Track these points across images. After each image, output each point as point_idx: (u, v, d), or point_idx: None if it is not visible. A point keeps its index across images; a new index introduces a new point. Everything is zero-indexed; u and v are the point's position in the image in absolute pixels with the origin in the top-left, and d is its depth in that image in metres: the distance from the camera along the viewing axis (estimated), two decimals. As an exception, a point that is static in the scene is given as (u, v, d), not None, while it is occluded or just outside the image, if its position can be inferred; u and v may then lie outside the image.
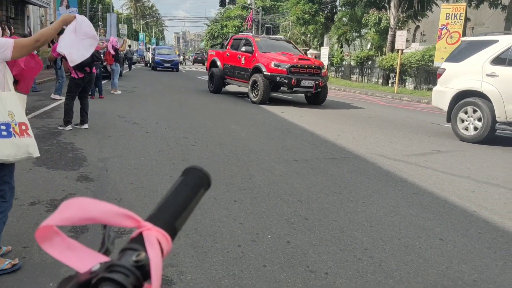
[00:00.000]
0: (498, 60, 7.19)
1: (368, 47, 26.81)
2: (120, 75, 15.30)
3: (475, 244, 3.08)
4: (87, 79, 6.71)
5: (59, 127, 6.61)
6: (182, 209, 0.51)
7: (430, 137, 7.66)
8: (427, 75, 20.05)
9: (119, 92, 12.18)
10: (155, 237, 0.45)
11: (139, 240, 0.45)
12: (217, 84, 13.89)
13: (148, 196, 3.76)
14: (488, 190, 4.47)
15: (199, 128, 7.31)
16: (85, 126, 6.76)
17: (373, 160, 5.57)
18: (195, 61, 50.91)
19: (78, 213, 0.44)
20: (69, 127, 6.58)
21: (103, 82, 11.65)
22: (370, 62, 23.82)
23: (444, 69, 8.16)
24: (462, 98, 7.68)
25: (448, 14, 17.02)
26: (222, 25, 50.41)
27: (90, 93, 8.24)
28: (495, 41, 7.36)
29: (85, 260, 0.45)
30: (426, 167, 5.36)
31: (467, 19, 19.60)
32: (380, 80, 23.13)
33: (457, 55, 8.03)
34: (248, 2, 38.92)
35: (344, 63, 26.69)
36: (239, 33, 15.74)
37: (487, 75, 7.22)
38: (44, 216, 0.51)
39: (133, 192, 3.85)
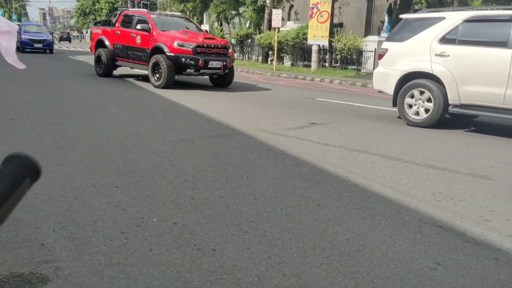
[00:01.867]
0: (447, 39, 6.75)
1: (247, 25, 27.32)
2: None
3: (347, 206, 3.38)
4: None
5: None
6: None
7: (307, 111, 8.15)
8: (302, 52, 21.19)
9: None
10: None
11: None
12: (106, 66, 12.34)
13: (15, 189, 3.38)
14: (357, 157, 4.92)
15: (73, 113, 6.76)
16: None
17: (256, 136, 5.74)
18: (61, 39, 53.84)
19: None
20: None
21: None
22: (249, 40, 24.34)
23: (386, 50, 7.57)
24: (409, 80, 7.20)
25: (318, -6, 18.03)
26: (93, 0, 46.95)
27: None
28: (442, 18, 6.90)
29: None
30: (304, 139, 5.70)
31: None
32: (260, 58, 23.81)
33: (399, 34, 7.49)
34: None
35: (225, 41, 26.85)
36: (130, 10, 14.09)
37: (436, 55, 6.80)
38: None
39: (-4, 186, 3.42)
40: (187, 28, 11.86)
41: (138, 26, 11.20)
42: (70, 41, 55.23)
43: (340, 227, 2.97)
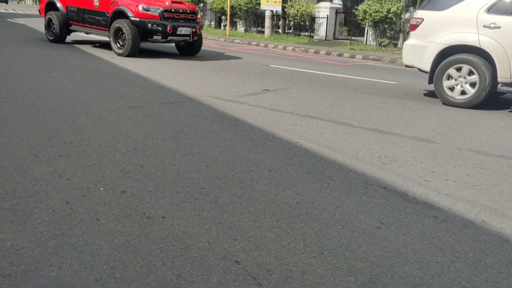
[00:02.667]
0: (497, 9, 5.98)
1: (199, -11, 26.42)
2: None
3: (297, 171, 3.43)
4: None
5: None
6: None
7: (260, 78, 8.11)
8: (256, 18, 20.90)
9: None
10: None
11: None
12: (59, 32, 11.25)
13: None
14: (308, 122, 4.99)
15: (11, 78, 6.34)
16: None
17: (208, 103, 5.66)
18: None
19: None
20: None
21: None
22: (201, 4, 23.62)
23: (422, 19, 6.73)
24: (449, 55, 6.44)
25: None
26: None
27: None
28: None
29: None
30: (256, 105, 5.69)
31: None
32: (213, 23, 23.26)
33: (437, 1, 6.63)
34: None
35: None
36: None
37: (484, 26, 6.02)
38: None
39: None
40: None
41: None
42: (7, 3, 51.44)
43: (290, 191, 3.02)
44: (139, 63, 8.90)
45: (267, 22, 19.04)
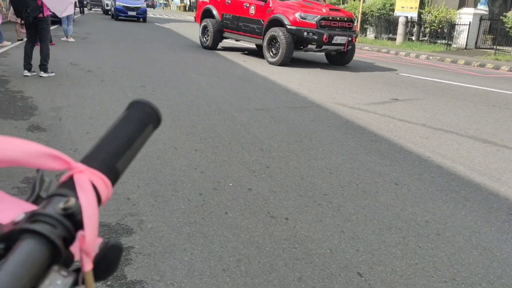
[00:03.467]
0: None
1: (331, -5, 26.40)
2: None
3: (428, 187, 3.21)
4: (30, 21, 6.15)
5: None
6: (124, 148, 0.43)
7: (389, 86, 7.78)
8: (388, 24, 20.13)
9: (73, 40, 11.35)
10: (88, 180, 0.38)
11: (70, 184, 0.38)
12: (213, 38, 11.36)
13: (105, 146, 3.64)
14: (442, 137, 4.63)
15: (157, 77, 7.07)
16: (41, 73, 6.40)
17: (333, 109, 5.62)
18: (147, 6, 55.76)
19: None
20: (25, 73, 6.38)
21: (52, 27, 10.91)
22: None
23: None
24: None
25: (410, -38, 16.88)
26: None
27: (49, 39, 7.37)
28: None
29: (7, 210, 0.38)
30: (384, 115, 5.47)
31: (428, -32, 19.51)
32: (342, 30, 22.97)
33: None
34: None
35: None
36: None
37: None
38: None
39: (90, 142, 3.71)
40: None
41: None
42: (154, 7, 57.82)
43: (419, 208, 2.84)
44: (267, 67, 9.21)
45: (400, 29, 18.19)
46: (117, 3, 21.93)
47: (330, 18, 9.21)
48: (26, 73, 6.36)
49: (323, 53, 10.46)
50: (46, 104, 4.88)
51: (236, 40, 11.48)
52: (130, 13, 21.85)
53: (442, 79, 9.39)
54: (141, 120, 0.46)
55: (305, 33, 9.04)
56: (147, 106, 0.47)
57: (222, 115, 4.92)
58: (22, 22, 6.44)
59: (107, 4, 26.25)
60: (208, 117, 4.82)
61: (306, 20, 9.08)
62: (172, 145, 3.75)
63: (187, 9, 51.42)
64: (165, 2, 71.35)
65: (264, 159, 3.60)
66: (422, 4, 17.62)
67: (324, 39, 9.02)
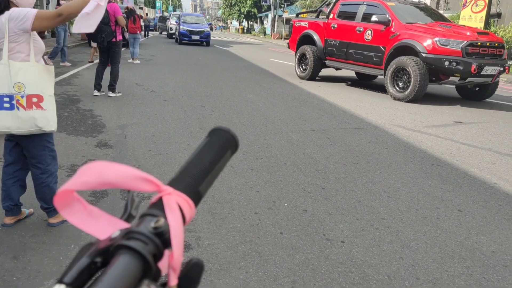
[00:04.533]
0: None
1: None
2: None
3: (494, 215, 3.04)
4: (104, 45, 6.63)
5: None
6: (206, 172, 0.47)
7: (450, 108, 7.48)
8: (450, 44, 19.38)
9: (138, 61, 11.98)
10: (175, 202, 0.42)
11: (159, 205, 0.42)
12: (313, 68, 10.01)
13: (166, 163, 3.80)
14: (510, 163, 4.37)
15: (216, 98, 7.29)
16: (109, 93, 6.83)
17: (391, 131, 5.49)
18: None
19: (96, 177, 0.42)
20: (95, 92, 6.82)
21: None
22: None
23: None
24: None
25: (474, -19, 16.35)
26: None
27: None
28: None
29: (105, 227, 0.43)
30: (446, 138, 5.27)
31: (494, -14, 18.78)
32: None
33: None
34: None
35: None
36: None
37: None
38: (65, 181, 0.51)
39: (151, 159, 3.89)
40: (438, 19, 9.03)
41: (374, 18, 8.32)
42: (212, 30, 59.37)
43: (484, 237, 2.69)
44: (323, 87, 9.19)
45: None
46: (181, 27, 22.03)
47: (479, 43, 7.50)
48: (96, 93, 6.81)
49: (453, 85, 8.62)
50: (113, 122, 5.18)
51: (337, 69, 10.37)
52: (194, 37, 21.77)
53: (508, 101, 8.89)
54: (221, 146, 0.50)
55: (447, 63, 7.37)
56: (226, 133, 0.51)
57: (278, 135, 4.97)
58: (96, 46, 6.95)
59: (171, 28, 26.91)
60: (264, 136, 4.89)
61: (448, 47, 7.43)
62: (229, 164, 3.84)
63: (245, 31, 52.75)
64: (224, 25, 73.54)
65: (319, 180, 3.58)
66: (487, 25, 16.88)
67: (472, 69, 7.28)
